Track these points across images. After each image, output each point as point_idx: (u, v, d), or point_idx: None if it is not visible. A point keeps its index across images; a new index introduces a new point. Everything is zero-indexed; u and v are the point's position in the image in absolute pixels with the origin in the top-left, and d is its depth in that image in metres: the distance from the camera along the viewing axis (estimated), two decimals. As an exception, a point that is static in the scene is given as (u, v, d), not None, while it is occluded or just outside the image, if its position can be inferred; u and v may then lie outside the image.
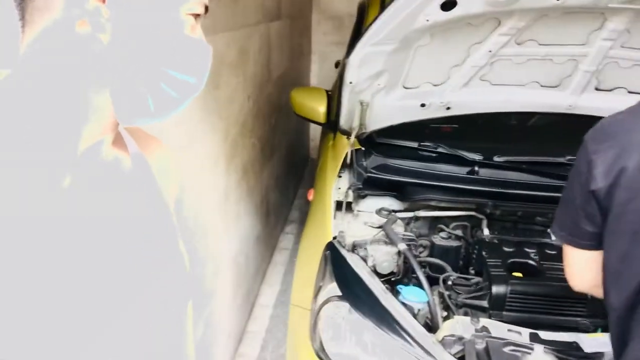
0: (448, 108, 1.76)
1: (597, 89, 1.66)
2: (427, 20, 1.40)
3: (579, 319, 1.46)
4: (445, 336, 1.31)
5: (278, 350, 2.44)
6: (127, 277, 0.59)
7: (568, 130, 1.89)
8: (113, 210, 0.59)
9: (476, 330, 1.32)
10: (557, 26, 1.46)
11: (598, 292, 1.04)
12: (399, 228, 1.75)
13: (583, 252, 1.04)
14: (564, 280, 1.49)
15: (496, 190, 1.77)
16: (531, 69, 1.62)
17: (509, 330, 1.33)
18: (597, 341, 1.30)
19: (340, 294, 1.34)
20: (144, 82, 0.56)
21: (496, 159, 1.85)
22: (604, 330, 1.42)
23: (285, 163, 3.57)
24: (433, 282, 1.63)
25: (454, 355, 1.27)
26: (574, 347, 1.29)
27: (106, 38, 0.53)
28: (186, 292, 0.70)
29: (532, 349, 1.27)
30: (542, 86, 1.67)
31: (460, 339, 1.30)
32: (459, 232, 1.80)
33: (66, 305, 0.51)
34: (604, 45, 1.50)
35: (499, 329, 1.33)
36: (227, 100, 2.08)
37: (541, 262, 1.58)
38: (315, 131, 4.49)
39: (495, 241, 1.70)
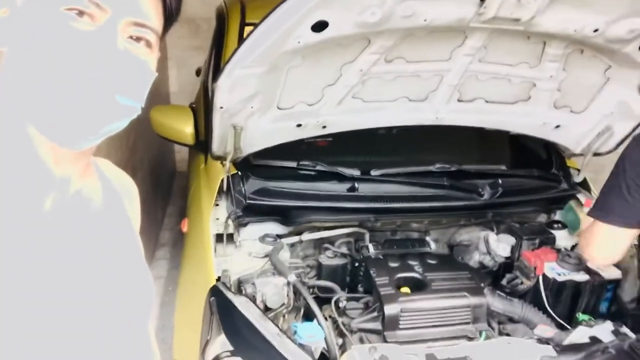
0: (324, 127, 1.71)
1: (459, 100, 1.74)
2: (299, 42, 1.33)
3: (465, 326, 1.52)
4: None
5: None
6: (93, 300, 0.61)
7: (433, 139, 1.99)
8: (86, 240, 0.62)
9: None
10: (423, 44, 1.49)
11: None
12: (285, 254, 1.67)
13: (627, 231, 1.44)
14: (448, 290, 1.56)
15: (376, 205, 1.78)
16: (400, 85, 1.64)
17: (406, 354, 1.33)
18: (485, 349, 1.36)
19: (231, 348, 1.22)
20: (66, 103, 0.54)
21: (373, 173, 1.86)
22: (487, 336, 1.49)
23: (150, 182, 3.29)
24: (323, 302, 1.60)
25: (357, 391, 1.23)
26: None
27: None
28: (149, 311, 0.74)
29: (430, 371, 1.28)
30: (410, 100, 1.70)
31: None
32: (344, 250, 1.78)
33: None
34: (465, 60, 1.56)
35: (397, 354, 1.32)
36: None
37: (425, 274, 1.62)
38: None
39: (381, 257, 1.71)
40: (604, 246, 1.53)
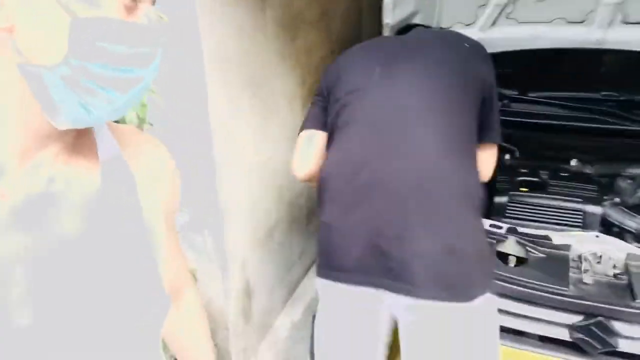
0: (481, 46, 1.96)
1: (625, 23, 1.74)
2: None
3: (576, 229, 1.62)
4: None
5: None
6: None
7: (601, 64, 1.98)
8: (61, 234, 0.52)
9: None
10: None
11: None
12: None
13: None
14: (564, 194, 1.67)
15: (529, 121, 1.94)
16: (554, 6, 1.76)
17: (490, 225, 1.57)
18: (565, 236, 1.48)
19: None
20: (58, 78, 0.47)
21: (530, 94, 2.01)
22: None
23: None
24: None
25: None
26: (544, 238, 1.49)
27: None
28: (160, 320, 0.61)
29: (506, 238, 1.50)
30: (568, 22, 1.80)
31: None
32: None
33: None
34: (620, -24, 1.60)
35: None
36: (306, 51, 2.48)
37: (548, 180, 1.75)
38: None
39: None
40: None
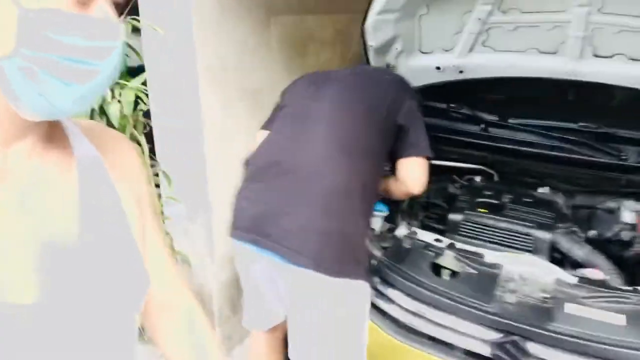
0: (460, 71, 2.04)
1: (595, 56, 1.77)
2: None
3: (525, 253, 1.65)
4: (383, 231, 1.69)
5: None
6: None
7: (579, 96, 2.00)
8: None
9: (409, 234, 1.67)
10: (532, -6, 1.67)
11: None
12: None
13: None
14: (518, 218, 1.71)
15: (508, 146, 2.01)
16: (526, 36, 1.81)
17: (434, 239, 1.64)
18: (499, 256, 1.53)
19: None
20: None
21: (510, 120, 2.06)
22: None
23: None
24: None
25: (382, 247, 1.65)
26: (478, 255, 1.54)
27: None
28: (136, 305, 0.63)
29: (443, 252, 1.57)
30: (540, 52, 1.84)
31: (394, 237, 1.67)
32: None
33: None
34: (581, 11, 1.64)
35: (427, 235, 1.65)
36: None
37: (507, 204, 1.79)
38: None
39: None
40: None
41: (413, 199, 1.89)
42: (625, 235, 1.72)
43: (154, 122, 2.12)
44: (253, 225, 1.44)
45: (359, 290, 1.44)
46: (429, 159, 1.62)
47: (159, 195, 2.08)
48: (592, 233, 1.77)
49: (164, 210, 2.11)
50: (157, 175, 2.03)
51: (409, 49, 2.04)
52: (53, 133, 0.60)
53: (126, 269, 0.62)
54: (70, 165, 0.60)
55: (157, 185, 2.05)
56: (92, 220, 0.59)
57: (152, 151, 1.92)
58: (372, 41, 2.00)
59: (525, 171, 2.01)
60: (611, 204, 1.82)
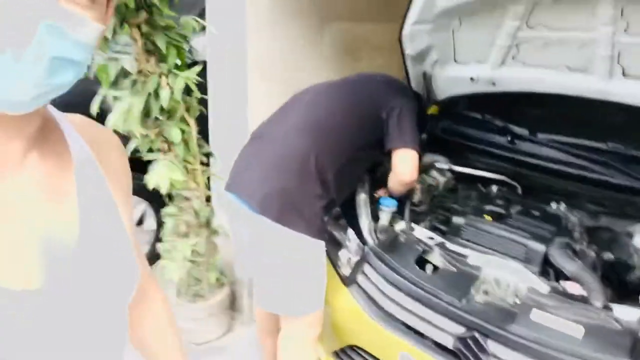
0: (493, 84, 2.08)
1: (625, 75, 1.74)
2: (443, 3, 1.85)
3: (517, 262, 1.68)
4: (383, 224, 1.81)
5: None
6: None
7: (611, 115, 1.95)
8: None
9: (406, 229, 1.77)
10: (557, 12, 1.69)
11: None
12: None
13: None
14: (516, 228, 1.75)
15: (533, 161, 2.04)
16: (554, 53, 1.83)
17: (428, 237, 1.73)
18: (481, 259, 1.59)
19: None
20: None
21: (540, 135, 2.06)
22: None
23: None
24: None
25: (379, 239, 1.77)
26: (461, 256, 1.61)
27: None
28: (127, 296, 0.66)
29: (431, 249, 1.66)
30: (570, 70, 1.84)
31: (389, 230, 1.78)
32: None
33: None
34: (606, 30, 1.63)
35: (421, 232, 1.75)
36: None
37: (512, 213, 1.82)
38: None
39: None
40: None
41: (431, 201, 2.00)
42: (636, 261, 1.68)
43: (211, 109, 2.43)
44: (232, 179, 1.80)
45: (302, 242, 1.64)
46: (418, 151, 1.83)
47: (209, 174, 2.36)
48: (608, 255, 1.75)
49: (211, 187, 2.40)
50: (206, 155, 2.32)
51: (444, 59, 2.13)
52: (49, 131, 0.61)
53: (121, 263, 0.64)
54: (67, 163, 0.61)
55: (206, 164, 2.34)
56: (91, 218, 0.61)
57: (200, 133, 2.21)
58: (409, 50, 2.12)
59: (548, 187, 2.01)
60: (630, 228, 1.77)
